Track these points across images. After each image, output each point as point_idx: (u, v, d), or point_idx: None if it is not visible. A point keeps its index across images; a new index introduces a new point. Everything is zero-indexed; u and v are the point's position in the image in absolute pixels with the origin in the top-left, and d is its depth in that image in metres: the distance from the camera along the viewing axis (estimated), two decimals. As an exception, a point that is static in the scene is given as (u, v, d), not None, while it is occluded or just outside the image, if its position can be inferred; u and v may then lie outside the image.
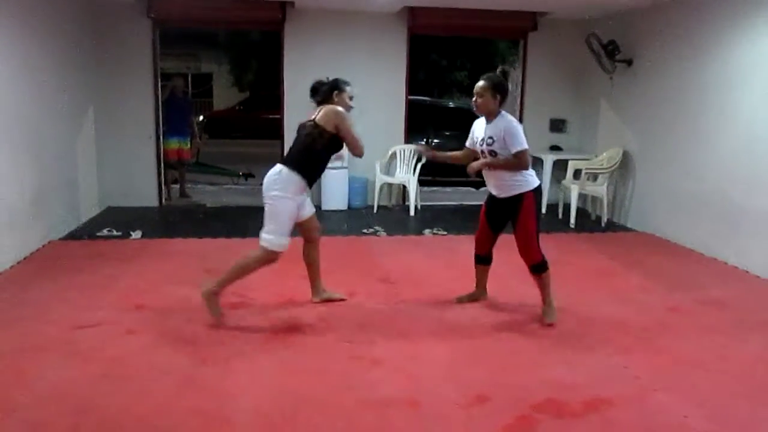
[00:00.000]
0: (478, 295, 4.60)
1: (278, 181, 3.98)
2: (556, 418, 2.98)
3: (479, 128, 4.27)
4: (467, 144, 4.42)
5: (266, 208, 4.04)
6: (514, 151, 4.02)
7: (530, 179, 4.12)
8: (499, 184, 4.18)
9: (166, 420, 2.88)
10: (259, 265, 4.02)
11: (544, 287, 4.21)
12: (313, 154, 4.05)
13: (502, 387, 3.29)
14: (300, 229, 4.27)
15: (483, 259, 4.53)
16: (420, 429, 2.88)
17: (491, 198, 4.34)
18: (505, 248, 6.11)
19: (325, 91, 4.16)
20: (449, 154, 4.65)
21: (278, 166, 4.05)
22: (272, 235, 3.95)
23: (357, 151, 4.11)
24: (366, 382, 3.32)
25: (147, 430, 2.79)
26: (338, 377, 3.37)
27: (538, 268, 4.18)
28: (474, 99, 4.16)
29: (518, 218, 4.13)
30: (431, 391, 3.23)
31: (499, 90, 4.11)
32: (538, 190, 4.16)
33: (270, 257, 3.98)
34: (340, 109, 4.05)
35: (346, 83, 4.20)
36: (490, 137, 4.10)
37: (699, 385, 3.36)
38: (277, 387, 3.25)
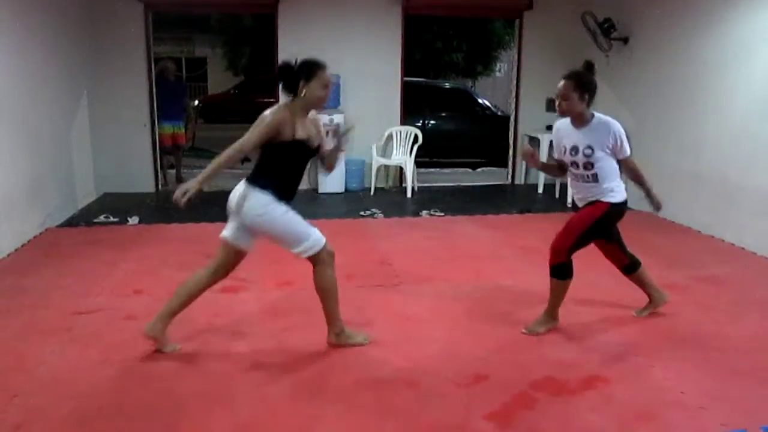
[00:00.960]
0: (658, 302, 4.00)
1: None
2: (554, 395, 3.01)
3: (566, 135, 3.64)
4: (555, 156, 3.80)
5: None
6: (622, 157, 3.55)
7: (620, 190, 3.66)
8: (592, 193, 3.66)
9: (166, 403, 2.90)
10: (331, 271, 3.40)
11: (552, 294, 3.71)
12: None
13: (500, 366, 3.31)
14: (226, 250, 3.53)
15: (629, 268, 4.01)
16: (419, 409, 2.90)
17: (575, 208, 3.79)
18: (502, 230, 6.11)
19: (291, 81, 3.29)
20: (548, 163, 4.00)
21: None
22: (305, 243, 3.31)
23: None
24: (364, 363, 3.33)
25: (148, 414, 2.81)
26: (337, 358, 3.39)
27: (555, 270, 3.69)
28: (557, 102, 3.56)
29: (577, 214, 3.69)
30: (429, 371, 3.25)
31: (587, 88, 3.53)
32: (617, 206, 3.67)
33: (326, 256, 3.37)
34: (265, 113, 3.32)
35: (317, 65, 3.28)
36: (589, 147, 3.51)
37: (696, 362, 3.39)
38: (276, 369, 3.26)
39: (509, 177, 8.85)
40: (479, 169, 10.26)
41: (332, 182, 7.90)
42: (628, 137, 3.59)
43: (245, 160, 9.93)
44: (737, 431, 2.73)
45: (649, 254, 5.28)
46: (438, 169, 9.90)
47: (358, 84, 7.85)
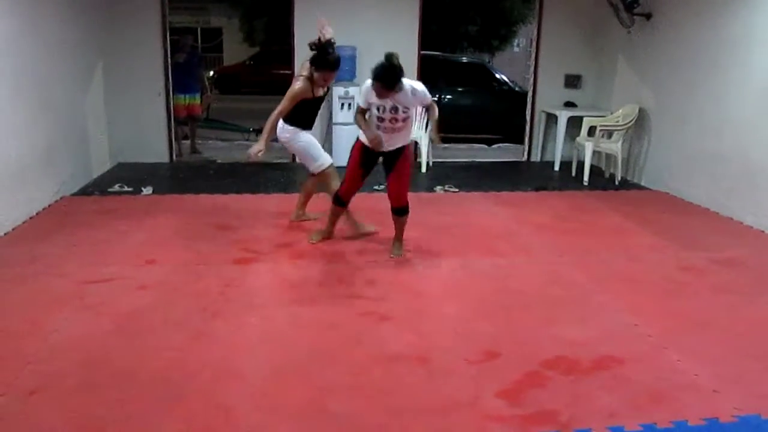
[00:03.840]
0: (329, 234, 4.88)
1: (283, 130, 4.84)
2: (566, 374, 2.99)
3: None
4: (373, 110, 4.34)
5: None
6: (428, 102, 4.28)
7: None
8: (396, 140, 4.38)
9: (177, 373, 2.91)
10: (335, 182, 4.90)
11: (401, 228, 4.62)
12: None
13: (511, 343, 3.29)
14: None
15: (345, 203, 4.78)
16: (429, 384, 2.89)
17: (374, 153, 4.44)
18: (516, 207, 6.07)
19: (317, 61, 4.66)
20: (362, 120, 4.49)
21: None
22: (317, 161, 4.94)
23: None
24: (376, 338, 3.33)
25: (159, 383, 2.82)
26: (348, 332, 3.39)
27: (405, 210, 4.56)
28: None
29: (397, 165, 4.44)
30: (440, 347, 3.24)
31: (398, 80, 4.13)
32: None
33: (332, 170, 5.00)
34: (294, 86, 4.63)
35: (329, 66, 4.67)
36: (406, 106, 4.24)
37: (711, 345, 3.35)
38: (288, 341, 3.27)
39: (525, 154, 8.75)
40: (495, 146, 10.16)
41: (346, 156, 7.80)
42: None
43: (259, 131, 9.97)
44: (751, 415, 2.70)
45: (665, 235, 5.24)
46: (453, 145, 9.81)
47: (374, 56, 7.65)
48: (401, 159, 4.43)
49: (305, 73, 4.67)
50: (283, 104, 4.60)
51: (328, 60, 4.60)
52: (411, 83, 4.22)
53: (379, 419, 2.62)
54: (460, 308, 3.75)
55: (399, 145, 4.40)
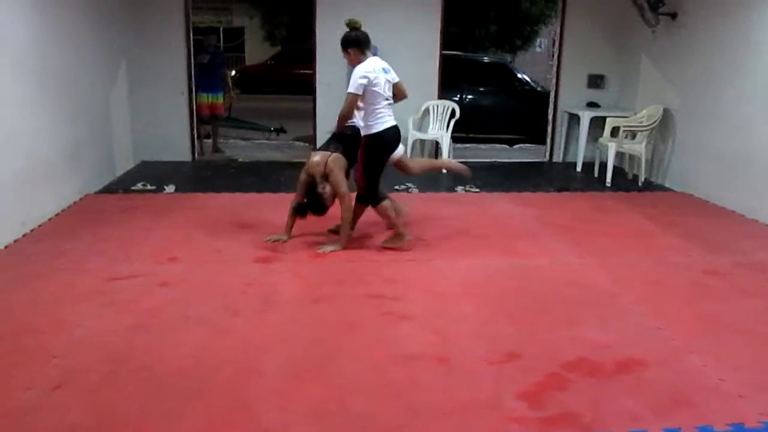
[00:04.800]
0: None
1: None
2: (588, 377, 2.96)
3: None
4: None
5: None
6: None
7: (374, 126, 4.43)
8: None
9: (198, 370, 2.93)
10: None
11: (383, 218, 4.67)
12: None
13: (532, 344, 3.26)
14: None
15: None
16: (449, 385, 2.88)
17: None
18: (538, 207, 6.02)
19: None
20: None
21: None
22: None
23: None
24: (395, 337, 3.32)
25: (180, 379, 2.84)
26: (368, 331, 3.39)
27: (360, 198, 4.61)
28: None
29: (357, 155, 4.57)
30: (460, 348, 3.22)
31: (349, 45, 4.45)
32: (375, 137, 4.44)
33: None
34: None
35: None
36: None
37: (736, 350, 3.29)
38: (308, 339, 3.28)
39: (547, 154, 8.69)
40: (517, 146, 10.10)
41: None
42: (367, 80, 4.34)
43: (281, 131, 9.98)
44: (777, 421, 2.65)
45: (690, 237, 5.17)
46: (474, 145, 9.77)
47: (395, 56, 7.67)
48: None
49: None
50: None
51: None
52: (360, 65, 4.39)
53: (397, 419, 2.61)
54: (480, 308, 3.73)
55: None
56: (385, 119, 4.45)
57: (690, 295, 4.02)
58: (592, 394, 2.82)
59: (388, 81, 4.46)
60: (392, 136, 4.53)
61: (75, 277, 4.01)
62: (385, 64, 4.51)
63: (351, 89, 4.32)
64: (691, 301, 3.92)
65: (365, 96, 4.36)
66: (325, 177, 4.49)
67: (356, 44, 4.44)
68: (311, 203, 4.51)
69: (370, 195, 4.59)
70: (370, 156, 4.51)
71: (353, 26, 4.53)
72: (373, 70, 4.36)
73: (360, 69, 4.34)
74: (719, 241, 5.14)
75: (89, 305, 3.59)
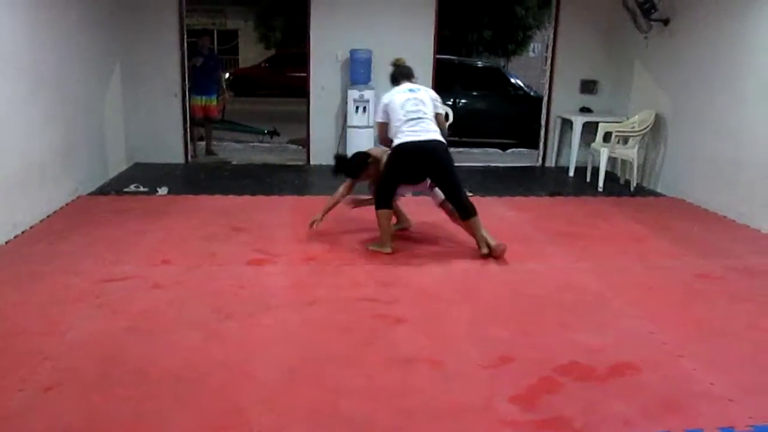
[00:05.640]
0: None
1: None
2: (580, 380, 2.97)
3: None
4: None
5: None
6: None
7: (395, 141, 4.58)
8: None
9: (191, 372, 2.92)
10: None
11: (378, 222, 4.71)
12: None
13: (525, 348, 3.28)
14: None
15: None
16: (442, 388, 2.88)
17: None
18: (530, 212, 6.04)
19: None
20: None
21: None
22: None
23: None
24: (389, 341, 3.33)
25: (172, 382, 2.84)
26: (362, 335, 3.39)
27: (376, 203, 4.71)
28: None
29: None
30: (454, 351, 3.23)
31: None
32: (394, 150, 4.60)
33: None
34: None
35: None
36: None
37: (727, 354, 3.32)
38: (301, 343, 3.28)
39: (540, 159, 8.73)
40: (509, 150, 10.13)
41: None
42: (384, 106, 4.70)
43: (275, 133, 9.97)
44: (766, 425, 2.67)
45: (681, 242, 5.21)
46: (468, 149, 9.80)
47: (390, 60, 7.75)
48: None
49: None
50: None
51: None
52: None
53: (391, 422, 2.61)
54: (473, 312, 3.74)
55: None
56: (404, 135, 4.52)
57: (682, 299, 4.04)
58: (584, 398, 2.83)
59: (415, 99, 4.60)
60: (410, 148, 4.52)
61: (67, 279, 3.99)
62: (414, 85, 4.79)
63: (376, 118, 4.84)
64: (683, 305, 3.94)
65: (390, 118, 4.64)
66: (378, 162, 4.81)
67: (395, 80, 4.86)
68: (353, 160, 4.93)
69: (378, 198, 4.68)
70: (389, 165, 4.69)
71: (398, 63, 4.98)
72: (392, 95, 4.67)
73: (382, 99, 4.75)
74: (711, 246, 5.18)
75: (82, 307, 3.58)
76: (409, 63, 7.83)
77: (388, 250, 4.66)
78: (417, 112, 4.54)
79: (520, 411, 2.71)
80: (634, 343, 3.40)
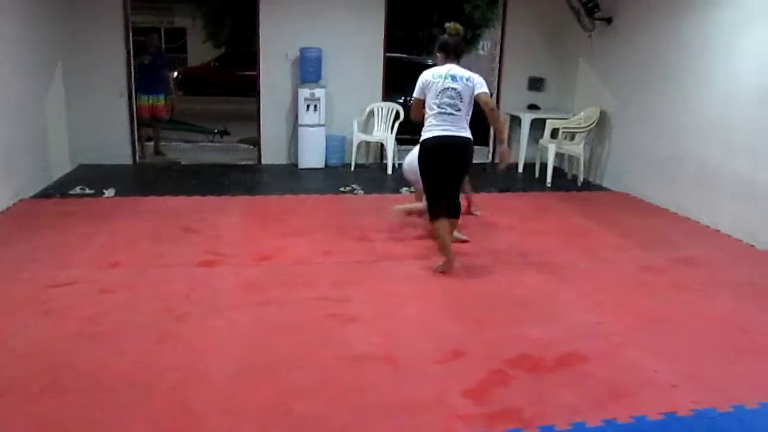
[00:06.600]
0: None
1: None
2: (530, 372, 3.04)
3: None
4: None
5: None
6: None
7: (422, 135, 4.34)
8: None
9: (142, 376, 2.88)
10: None
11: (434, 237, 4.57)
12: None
13: (477, 343, 3.34)
14: None
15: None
16: (396, 384, 2.91)
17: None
18: (481, 208, 6.11)
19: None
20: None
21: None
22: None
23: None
24: (342, 339, 3.34)
25: (124, 387, 2.79)
26: (314, 334, 3.39)
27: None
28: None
29: None
30: (407, 348, 3.26)
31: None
32: (420, 146, 4.38)
33: None
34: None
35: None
36: None
37: (670, 342, 3.44)
38: (254, 343, 3.26)
39: (490, 156, 8.85)
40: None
41: (312, 157, 7.84)
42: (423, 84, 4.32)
43: (225, 133, 9.83)
44: (707, 409, 2.78)
45: (626, 235, 5.37)
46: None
47: (340, 58, 7.76)
48: None
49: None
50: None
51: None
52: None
53: (345, 420, 2.63)
54: (426, 309, 3.78)
55: None
56: (431, 128, 4.26)
57: (627, 290, 4.17)
58: (533, 389, 2.90)
59: (454, 91, 4.21)
60: (433, 144, 4.27)
61: (10, 285, 3.87)
62: (459, 71, 4.27)
63: (414, 94, 4.36)
64: (629, 296, 4.07)
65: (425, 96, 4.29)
66: None
67: (441, 49, 4.38)
68: None
69: (429, 207, 4.44)
70: (420, 167, 4.43)
71: (449, 32, 4.39)
72: (432, 75, 4.27)
73: (423, 74, 4.32)
74: (654, 238, 5.36)
75: (26, 314, 3.48)
76: (359, 60, 7.97)
77: (454, 264, 4.36)
78: (452, 106, 4.22)
79: (472, 404, 2.76)
80: (582, 334, 3.49)
